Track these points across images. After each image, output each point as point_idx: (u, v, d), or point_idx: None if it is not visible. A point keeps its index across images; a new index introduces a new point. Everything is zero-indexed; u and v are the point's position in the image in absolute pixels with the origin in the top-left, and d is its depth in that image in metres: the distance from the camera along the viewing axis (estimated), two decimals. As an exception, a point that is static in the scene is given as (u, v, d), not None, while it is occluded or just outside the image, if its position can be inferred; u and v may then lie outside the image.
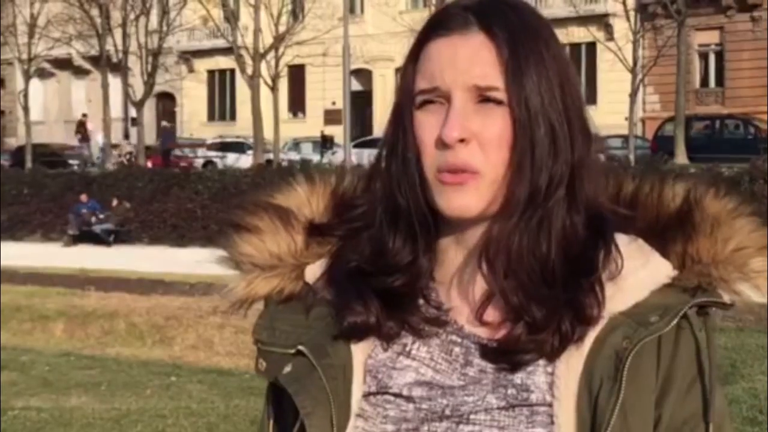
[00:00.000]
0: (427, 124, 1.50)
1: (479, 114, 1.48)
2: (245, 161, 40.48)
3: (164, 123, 47.41)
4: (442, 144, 1.48)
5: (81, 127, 46.02)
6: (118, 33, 45.63)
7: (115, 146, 45.61)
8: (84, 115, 46.56)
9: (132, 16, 45.38)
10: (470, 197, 1.48)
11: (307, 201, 1.64)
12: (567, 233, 1.49)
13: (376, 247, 1.54)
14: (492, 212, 1.49)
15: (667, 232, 1.55)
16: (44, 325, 16.92)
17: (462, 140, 1.47)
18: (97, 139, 46.52)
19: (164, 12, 45.80)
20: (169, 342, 15.38)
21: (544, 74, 1.49)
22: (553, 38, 1.54)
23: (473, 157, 1.47)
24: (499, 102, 1.48)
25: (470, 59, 1.49)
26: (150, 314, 16.97)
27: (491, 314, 1.52)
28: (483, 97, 1.48)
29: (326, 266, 1.59)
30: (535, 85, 1.48)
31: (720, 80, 43.95)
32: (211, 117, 56.63)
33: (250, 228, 1.62)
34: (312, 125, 49.48)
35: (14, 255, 25.16)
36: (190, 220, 33.16)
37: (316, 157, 39.74)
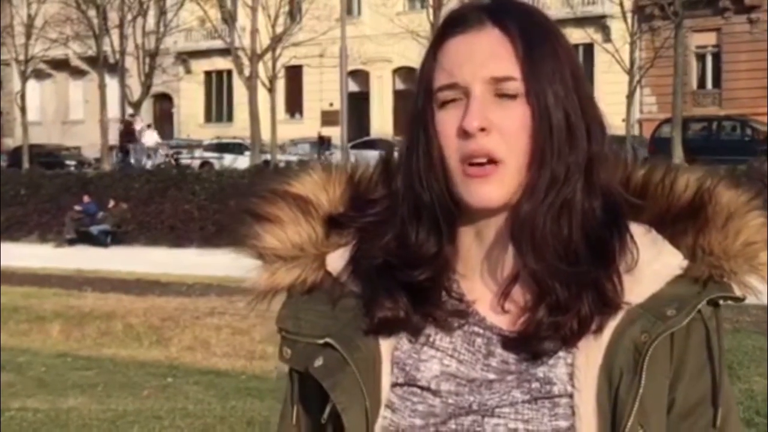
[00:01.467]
0: (448, 119, 1.55)
1: (498, 107, 1.53)
2: (242, 162, 40.46)
3: (120, 126, 47.21)
4: (463, 134, 1.53)
5: (128, 127, 45.53)
6: (115, 34, 45.62)
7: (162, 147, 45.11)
8: (131, 116, 46.17)
9: (129, 17, 45.39)
10: (494, 188, 1.53)
11: (323, 188, 1.67)
12: (587, 217, 1.54)
13: (401, 241, 1.58)
14: (513, 201, 1.54)
15: (678, 223, 1.59)
16: (41, 326, 16.90)
17: (483, 129, 1.52)
18: (147, 139, 46.04)
19: (161, 13, 45.82)
20: (166, 343, 15.36)
21: (558, 67, 1.55)
22: (561, 34, 1.60)
23: (495, 145, 1.52)
24: (516, 95, 1.53)
25: (487, 54, 1.55)
26: (147, 315, 16.95)
27: (514, 301, 1.57)
28: (500, 92, 1.54)
29: (349, 257, 1.62)
30: (550, 76, 1.54)
31: (717, 82, 43.98)
32: (208, 118, 56.63)
33: (270, 218, 1.64)
34: (309, 126, 49.48)
35: (11, 256, 25.13)
36: (187, 221, 33.14)
37: (313, 158, 39.71)
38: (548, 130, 1.53)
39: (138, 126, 46.06)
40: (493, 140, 1.52)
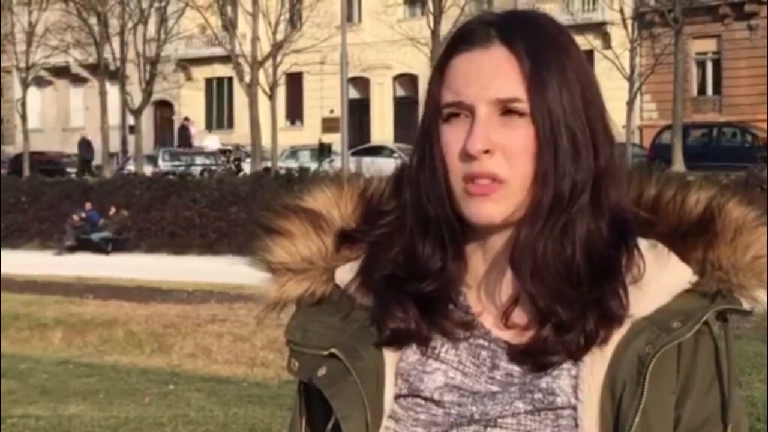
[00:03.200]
0: (452, 137, 1.54)
1: (503, 126, 1.52)
2: (243, 169, 40.44)
3: (82, 135, 47.12)
4: (467, 155, 1.52)
5: (184, 131, 45.09)
6: (116, 41, 45.66)
7: (224, 152, 44.90)
8: (186, 119, 45.79)
9: (130, 24, 45.43)
10: (496, 206, 1.52)
11: (335, 203, 1.67)
12: (591, 237, 1.53)
13: (408, 254, 1.59)
14: (517, 219, 1.53)
15: (687, 238, 1.58)
16: (42, 333, 16.88)
17: (486, 151, 1.51)
18: (207, 143, 45.75)
19: (162, 20, 45.83)
20: (168, 350, 15.33)
21: (565, 84, 1.54)
22: (575, 47, 1.58)
23: (498, 166, 1.52)
24: (522, 114, 1.52)
25: (492, 73, 1.54)
26: (148, 322, 16.93)
27: (518, 317, 1.56)
28: (506, 109, 1.52)
29: (358, 270, 1.63)
30: (557, 95, 1.53)
31: (717, 88, 44.00)
32: (208, 125, 56.58)
33: (282, 231, 1.65)
34: (310, 133, 49.49)
35: (12, 263, 25.11)
36: (188, 228, 33.14)
37: (313, 165, 39.75)
38: (553, 151, 1.52)
39: (193, 130, 45.72)
40: (497, 161, 1.52)
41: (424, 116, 1.60)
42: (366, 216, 1.66)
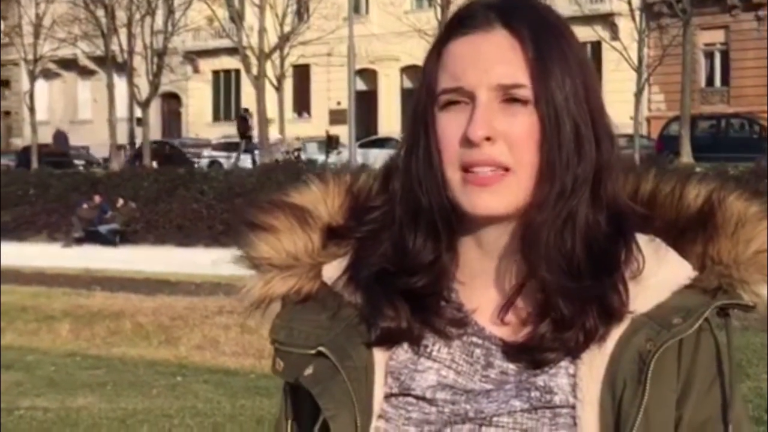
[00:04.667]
0: (450, 124, 1.49)
1: (505, 113, 1.48)
2: (250, 161, 40.45)
3: (58, 128, 47.02)
4: (467, 142, 1.47)
5: (243, 123, 44.63)
6: (123, 33, 45.62)
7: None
8: (245, 110, 45.38)
9: (137, 17, 45.38)
10: (496, 197, 1.48)
11: (322, 199, 1.63)
12: (591, 230, 1.49)
13: (398, 248, 1.54)
14: (517, 211, 1.49)
15: (686, 233, 1.54)
16: (50, 326, 16.91)
17: (488, 138, 1.46)
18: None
19: (169, 12, 45.82)
20: (175, 342, 15.36)
21: (567, 72, 1.49)
22: (574, 37, 1.54)
23: (501, 155, 1.47)
24: (524, 102, 1.48)
25: (494, 58, 1.49)
26: (156, 314, 16.97)
27: (516, 312, 1.52)
28: (508, 96, 1.48)
29: (345, 267, 1.58)
30: (559, 83, 1.48)
31: (725, 79, 43.94)
32: (216, 117, 56.68)
33: (266, 227, 1.60)
34: (317, 125, 49.51)
35: (20, 255, 25.17)
36: (195, 220, 33.13)
37: (321, 157, 39.74)
38: (557, 140, 1.47)
39: (251, 121, 45.39)
40: (499, 149, 1.47)
41: (418, 101, 1.54)
42: (353, 211, 1.61)
